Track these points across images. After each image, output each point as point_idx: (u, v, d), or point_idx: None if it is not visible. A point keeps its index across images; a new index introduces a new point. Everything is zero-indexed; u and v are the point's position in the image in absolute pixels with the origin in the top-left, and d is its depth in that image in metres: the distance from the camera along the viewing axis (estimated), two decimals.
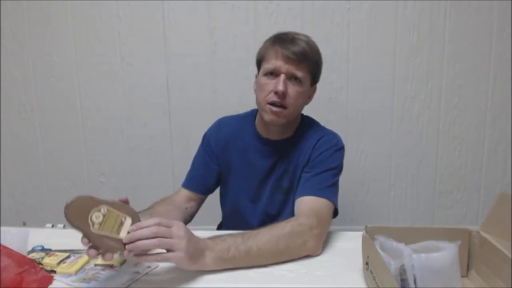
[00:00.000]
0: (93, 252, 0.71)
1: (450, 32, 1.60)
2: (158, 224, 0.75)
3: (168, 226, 0.76)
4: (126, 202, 0.79)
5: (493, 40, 1.60)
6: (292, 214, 1.01)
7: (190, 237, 0.78)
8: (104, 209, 0.73)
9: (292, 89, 0.99)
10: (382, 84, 1.64)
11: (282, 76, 0.97)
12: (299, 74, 0.98)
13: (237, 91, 1.64)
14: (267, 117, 1.01)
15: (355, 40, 1.60)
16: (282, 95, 0.97)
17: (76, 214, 0.70)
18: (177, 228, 0.77)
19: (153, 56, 1.65)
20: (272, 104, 0.99)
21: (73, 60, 1.66)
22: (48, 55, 1.67)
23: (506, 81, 1.62)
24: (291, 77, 0.99)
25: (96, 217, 0.72)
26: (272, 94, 0.99)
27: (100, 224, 0.72)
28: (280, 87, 0.96)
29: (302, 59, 0.97)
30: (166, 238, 0.74)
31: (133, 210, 0.78)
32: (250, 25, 1.61)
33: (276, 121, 1.01)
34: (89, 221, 0.71)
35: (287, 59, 0.97)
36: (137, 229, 0.73)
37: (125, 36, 1.64)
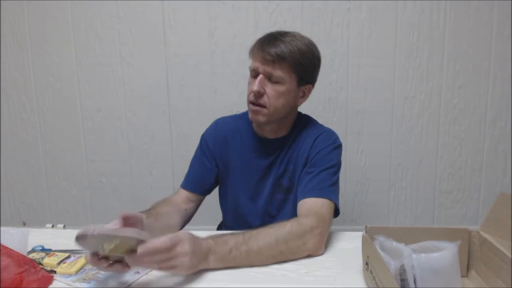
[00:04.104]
0: (106, 263, 0.74)
1: (450, 32, 1.60)
2: (160, 249, 0.73)
3: (174, 244, 0.75)
4: (129, 217, 0.79)
5: (493, 40, 1.60)
6: (291, 213, 1.01)
7: (194, 248, 0.78)
8: (117, 240, 0.70)
9: (271, 89, 1.00)
10: (382, 84, 1.64)
11: (259, 76, 1.00)
12: (276, 74, 0.99)
13: (237, 91, 1.64)
14: (249, 115, 1.05)
15: (355, 40, 1.60)
16: (258, 94, 1.00)
17: (88, 245, 0.72)
18: (182, 245, 0.76)
19: (153, 56, 1.65)
20: (251, 103, 1.02)
21: (73, 60, 1.67)
22: (48, 55, 1.67)
23: (506, 81, 1.62)
24: (269, 77, 1.00)
25: (108, 244, 0.70)
26: (252, 94, 1.02)
27: (111, 250, 0.71)
28: (255, 87, 1.00)
29: (278, 59, 0.98)
30: (169, 260, 0.74)
31: (144, 235, 0.72)
32: (250, 25, 1.61)
33: (255, 119, 1.04)
34: (101, 248, 0.71)
35: (263, 60, 0.99)
36: (146, 250, 0.71)
37: (125, 36, 1.64)
